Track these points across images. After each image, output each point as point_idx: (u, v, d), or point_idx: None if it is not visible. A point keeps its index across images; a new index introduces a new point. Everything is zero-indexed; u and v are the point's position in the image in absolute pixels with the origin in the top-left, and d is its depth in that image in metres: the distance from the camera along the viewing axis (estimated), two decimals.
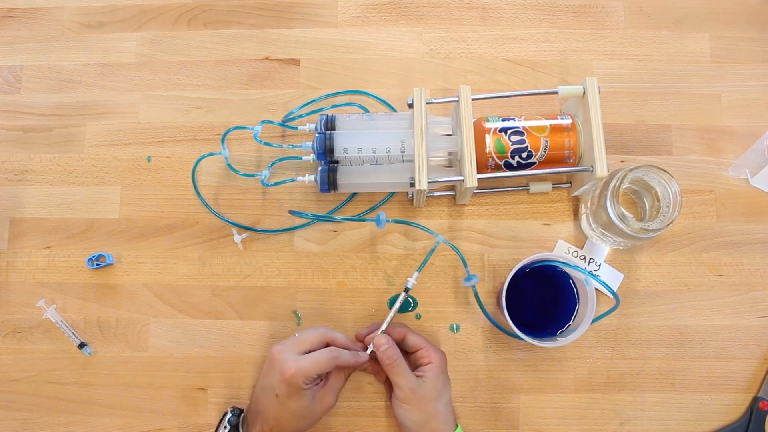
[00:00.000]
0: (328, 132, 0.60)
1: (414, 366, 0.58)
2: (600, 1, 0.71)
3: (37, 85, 0.71)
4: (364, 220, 0.64)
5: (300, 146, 0.62)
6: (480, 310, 0.61)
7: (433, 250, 0.60)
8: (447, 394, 0.58)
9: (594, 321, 0.56)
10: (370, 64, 0.70)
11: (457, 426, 0.57)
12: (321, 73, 0.70)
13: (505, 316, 0.56)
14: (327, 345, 0.57)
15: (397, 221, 0.62)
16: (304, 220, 0.66)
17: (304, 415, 0.55)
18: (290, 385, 0.53)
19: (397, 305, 0.59)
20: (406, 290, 0.60)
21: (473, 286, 0.60)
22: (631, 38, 0.70)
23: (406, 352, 0.59)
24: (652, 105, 0.68)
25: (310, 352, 0.55)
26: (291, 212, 0.60)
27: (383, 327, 0.58)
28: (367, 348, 0.58)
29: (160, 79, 0.70)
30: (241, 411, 0.59)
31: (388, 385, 0.61)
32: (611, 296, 0.60)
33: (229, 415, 0.57)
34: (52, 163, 0.69)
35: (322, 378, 0.57)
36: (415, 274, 0.60)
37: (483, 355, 0.63)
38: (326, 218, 0.61)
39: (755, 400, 0.62)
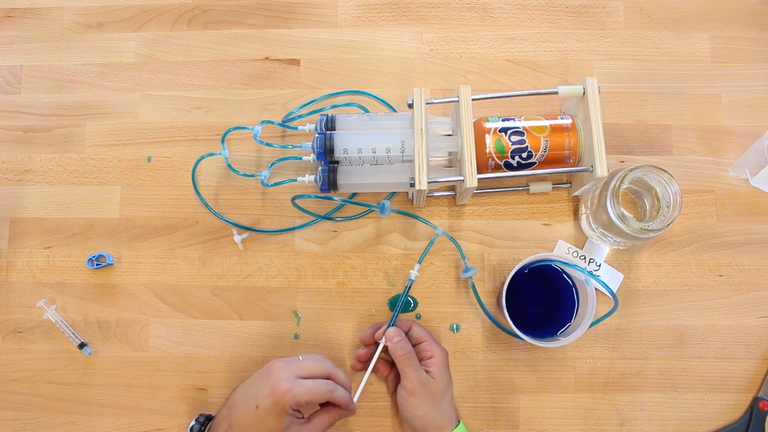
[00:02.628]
0: (328, 132, 0.60)
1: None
2: (600, 1, 0.71)
3: (37, 85, 0.71)
4: (366, 205, 0.64)
5: (300, 146, 0.62)
6: (479, 306, 0.61)
7: (432, 241, 0.62)
8: (450, 391, 0.58)
9: (593, 324, 0.56)
10: (370, 64, 0.70)
11: (459, 422, 0.57)
12: (321, 73, 0.70)
13: (505, 316, 0.56)
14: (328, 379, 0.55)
15: (399, 211, 0.63)
16: (304, 220, 0.66)
17: None
18: (277, 402, 0.51)
19: (403, 297, 0.61)
20: (410, 283, 0.61)
21: (470, 278, 0.61)
22: (631, 38, 0.70)
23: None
24: (652, 105, 0.68)
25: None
26: (294, 198, 0.59)
27: (393, 320, 0.60)
28: (376, 346, 0.59)
29: (160, 79, 0.70)
30: (208, 417, 0.57)
31: (392, 380, 0.61)
32: (611, 297, 0.60)
33: (192, 423, 0.56)
34: (52, 163, 0.69)
35: (304, 416, 0.55)
36: (417, 266, 0.62)
37: (483, 355, 0.63)
38: (328, 198, 0.59)
39: (755, 400, 0.62)
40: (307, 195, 0.59)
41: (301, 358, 0.55)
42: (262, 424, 0.51)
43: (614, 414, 0.62)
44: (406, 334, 0.60)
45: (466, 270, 0.61)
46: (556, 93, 0.59)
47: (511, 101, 0.68)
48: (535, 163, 0.60)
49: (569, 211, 0.66)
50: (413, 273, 0.62)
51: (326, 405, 0.56)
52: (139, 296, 0.66)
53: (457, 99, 0.59)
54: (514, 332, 0.56)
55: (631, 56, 0.69)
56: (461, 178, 0.58)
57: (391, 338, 0.58)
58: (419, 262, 0.62)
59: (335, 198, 0.58)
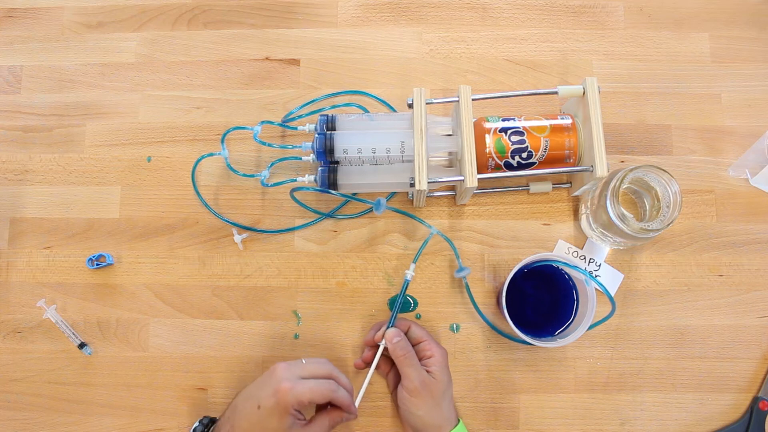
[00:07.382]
0: (328, 132, 0.60)
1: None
2: (600, 1, 0.71)
3: (37, 85, 0.71)
4: (363, 201, 0.63)
5: (300, 146, 0.62)
6: (473, 306, 0.61)
7: (427, 241, 0.61)
8: (450, 390, 0.58)
9: (591, 327, 0.56)
10: (370, 64, 0.70)
11: (459, 421, 0.57)
12: (321, 73, 0.70)
13: (505, 316, 0.56)
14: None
15: (394, 209, 0.62)
16: (304, 220, 0.66)
17: None
18: (279, 402, 0.50)
19: (400, 298, 0.61)
20: (406, 283, 0.61)
21: (464, 278, 0.61)
22: (631, 38, 0.70)
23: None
24: (652, 105, 0.68)
25: None
26: (292, 191, 0.59)
27: (391, 321, 0.60)
28: (377, 347, 0.59)
29: (160, 79, 0.70)
30: (212, 420, 0.57)
31: (392, 378, 0.61)
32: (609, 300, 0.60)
33: (195, 424, 0.56)
34: (52, 163, 0.69)
35: (306, 418, 0.54)
36: (412, 265, 0.61)
37: (483, 355, 0.63)
38: (326, 192, 0.59)
39: (755, 400, 0.62)
40: (306, 188, 0.59)
41: (304, 361, 0.55)
42: (263, 424, 0.51)
43: (614, 414, 0.62)
44: (405, 334, 0.60)
45: (460, 270, 0.61)
46: (556, 93, 0.59)
47: (511, 101, 0.68)
48: (535, 163, 0.60)
49: (569, 211, 0.66)
50: (409, 273, 0.61)
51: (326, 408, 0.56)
52: (139, 296, 0.66)
53: (457, 99, 0.59)
54: (513, 332, 0.56)
55: (631, 56, 0.69)
56: (461, 178, 0.58)
57: (391, 339, 0.58)
58: (414, 261, 0.62)
59: (333, 193, 0.58)
